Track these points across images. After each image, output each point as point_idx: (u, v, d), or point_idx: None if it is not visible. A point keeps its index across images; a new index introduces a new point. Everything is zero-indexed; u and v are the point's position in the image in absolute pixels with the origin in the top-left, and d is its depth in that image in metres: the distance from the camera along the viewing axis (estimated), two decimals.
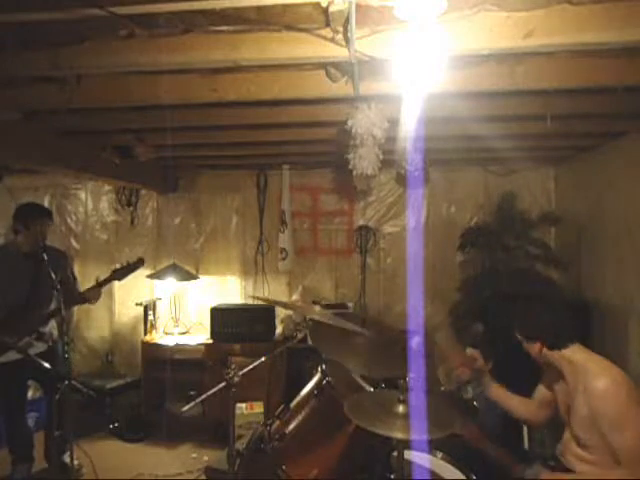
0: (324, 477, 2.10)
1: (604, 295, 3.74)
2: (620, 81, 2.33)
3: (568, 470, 2.06)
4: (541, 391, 2.30)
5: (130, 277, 3.59)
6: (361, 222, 4.95)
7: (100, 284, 3.46)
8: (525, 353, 2.15)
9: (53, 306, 3.30)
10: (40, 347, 3.29)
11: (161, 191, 5.09)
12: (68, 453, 2.82)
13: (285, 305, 4.27)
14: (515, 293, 2.17)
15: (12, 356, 3.15)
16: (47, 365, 2.81)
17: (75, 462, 3.35)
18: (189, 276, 4.83)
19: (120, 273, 3.49)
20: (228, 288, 5.11)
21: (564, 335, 2.03)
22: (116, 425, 4.35)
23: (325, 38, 1.90)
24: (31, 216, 3.26)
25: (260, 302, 4.95)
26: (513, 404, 2.38)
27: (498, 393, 2.41)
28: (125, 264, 3.53)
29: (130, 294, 4.93)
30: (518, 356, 2.23)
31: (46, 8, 1.73)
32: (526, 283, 2.27)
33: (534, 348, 2.07)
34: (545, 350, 2.04)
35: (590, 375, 1.93)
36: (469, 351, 2.70)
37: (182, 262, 4.87)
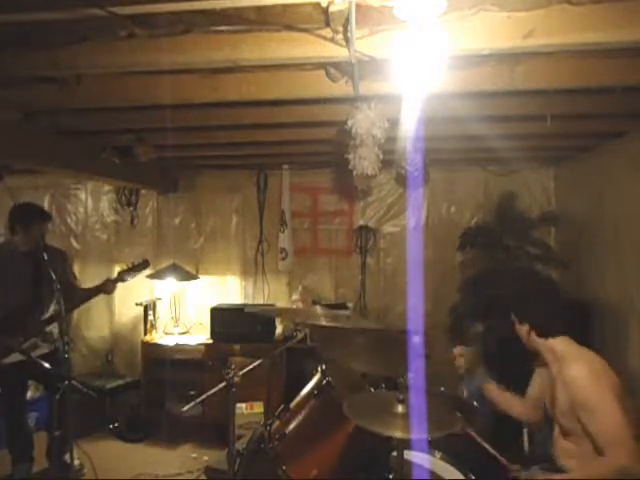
0: (324, 477, 2.10)
1: (604, 295, 3.74)
2: (620, 81, 2.33)
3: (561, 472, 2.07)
4: (534, 389, 2.32)
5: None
6: (361, 222, 4.95)
7: (114, 281, 3.49)
8: (524, 352, 2.17)
9: (54, 306, 3.31)
10: (45, 348, 3.29)
11: (161, 191, 5.09)
12: (69, 453, 2.83)
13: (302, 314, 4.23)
14: (515, 292, 2.19)
15: (14, 357, 3.15)
16: (47, 365, 2.82)
17: (76, 462, 3.37)
18: (189, 276, 4.83)
19: (126, 274, 3.53)
20: (228, 288, 5.11)
21: (554, 326, 2.07)
22: (116, 425, 4.36)
23: (325, 38, 1.90)
24: (28, 218, 3.26)
25: (260, 302, 4.96)
26: (508, 402, 2.41)
27: (492, 390, 2.44)
28: (130, 265, 3.56)
29: (130, 294, 4.92)
30: (518, 355, 2.23)
31: (46, 8, 1.73)
32: (526, 282, 2.30)
33: (522, 331, 2.12)
34: (533, 335, 2.08)
35: (567, 362, 1.97)
36: (457, 350, 2.72)
37: (182, 262, 4.87)
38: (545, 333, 2.08)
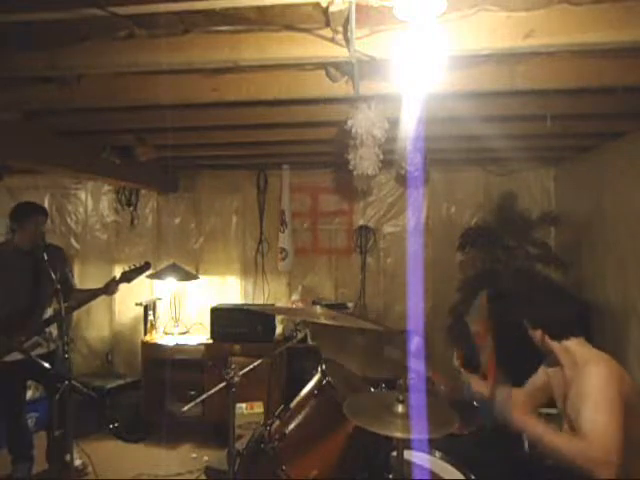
0: (324, 477, 2.10)
1: (604, 295, 3.74)
2: (620, 81, 2.33)
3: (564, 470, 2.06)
4: (534, 383, 2.31)
5: None
6: (361, 222, 4.95)
7: (117, 282, 3.49)
8: (526, 350, 2.16)
9: (54, 305, 3.31)
10: (44, 348, 3.30)
11: (161, 191, 5.09)
12: (69, 453, 2.83)
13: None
14: (533, 285, 2.19)
15: (13, 356, 3.16)
16: (47, 365, 2.82)
17: (78, 462, 3.37)
18: (189, 276, 4.83)
19: (128, 275, 3.52)
20: (228, 288, 5.11)
21: (567, 327, 2.07)
22: (116, 425, 4.35)
23: (325, 38, 1.90)
24: (25, 215, 3.28)
25: (260, 302, 4.96)
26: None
27: (475, 383, 2.40)
28: (132, 266, 3.56)
29: (130, 294, 4.92)
30: (519, 355, 2.23)
31: (46, 8, 1.73)
32: (526, 282, 2.30)
33: (536, 335, 2.12)
34: (547, 339, 2.08)
35: (587, 364, 1.95)
36: (456, 356, 2.69)
37: (182, 262, 4.87)
38: (559, 336, 2.07)
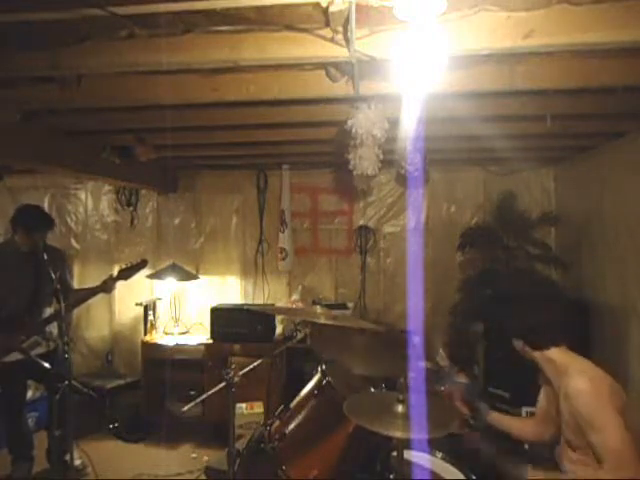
0: (324, 477, 2.10)
1: (604, 295, 3.73)
2: (620, 81, 2.33)
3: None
4: (541, 406, 2.27)
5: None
6: (361, 222, 4.95)
7: (114, 280, 3.49)
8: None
9: (54, 305, 3.31)
10: (45, 347, 3.30)
11: (161, 191, 5.09)
12: (69, 453, 2.83)
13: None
14: (514, 293, 2.17)
15: (13, 356, 3.16)
16: (47, 365, 2.82)
17: (78, 462, 3.37)
18: (189, 276, 4.83)
19: (126, 273, 3.53)
20: (228, 288, 5.11)
21: (547, 337, 2.03)
22: (116, 425, 4.35)
23: (325, 38, 1.90)
24: (31, 223, 3.26)
25: (260, 302, 4.96)
26: (512, 426, 2.34)
27: (495, 418, 2.38)
28: (129, 264, 3.56)
29: (130, 294, 4.92)
30: (518, 355, 2.23)
31: (46, 8, 1.73)
32: (525, 283, 2.28)
33: (518, 345, 2.10)
34: (528, 349, 2.06)
35: (568, 376, 1.93)
36: (440, 354, 2.67)
37: (182, 262, 4.87)
38: (538, 346, 2.04)
